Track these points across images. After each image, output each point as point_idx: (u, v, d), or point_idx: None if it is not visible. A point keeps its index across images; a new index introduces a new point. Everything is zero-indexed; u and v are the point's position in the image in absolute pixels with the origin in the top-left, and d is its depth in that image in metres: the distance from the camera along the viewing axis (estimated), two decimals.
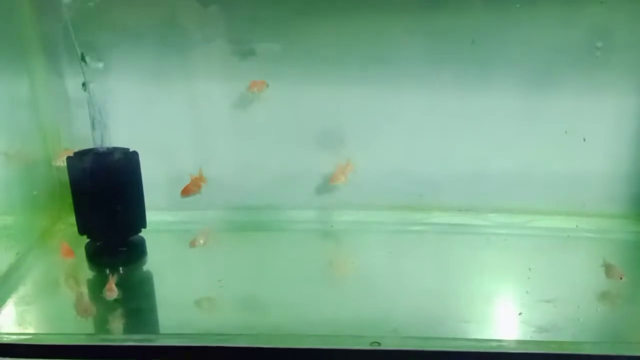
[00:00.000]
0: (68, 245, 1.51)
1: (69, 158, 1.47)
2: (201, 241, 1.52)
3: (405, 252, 1.61)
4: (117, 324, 1.32)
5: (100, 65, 1.56)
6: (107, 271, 1.42)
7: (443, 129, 1.68)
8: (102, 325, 1.33)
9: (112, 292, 1.33)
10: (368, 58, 1.62)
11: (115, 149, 1.51)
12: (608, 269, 1.40)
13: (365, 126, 1.69)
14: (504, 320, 1.33)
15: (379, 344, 1.15)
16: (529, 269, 1.46)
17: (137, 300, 1.42)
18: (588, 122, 1.63)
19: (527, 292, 1.39)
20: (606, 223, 1.67)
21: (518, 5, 1.54)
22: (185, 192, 1.56)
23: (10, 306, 1.37)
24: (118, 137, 1.57)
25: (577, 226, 1.63)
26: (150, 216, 1.57)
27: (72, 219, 1.53)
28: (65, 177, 1.50)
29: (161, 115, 1.68)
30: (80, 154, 1.49)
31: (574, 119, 1.63)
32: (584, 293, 1.40)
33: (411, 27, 1.58)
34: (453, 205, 1.74)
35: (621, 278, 1.38)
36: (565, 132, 1.62)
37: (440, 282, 1.45)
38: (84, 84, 1.51)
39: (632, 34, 1.56)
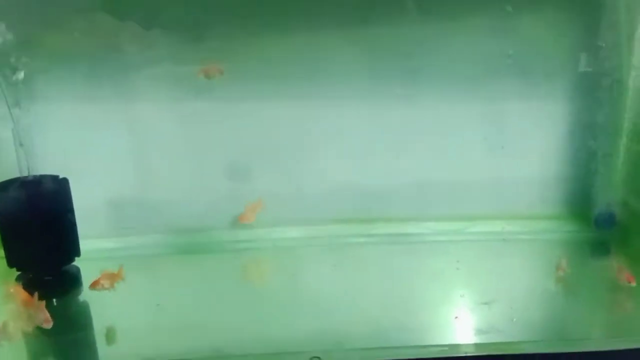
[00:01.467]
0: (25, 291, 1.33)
1: None
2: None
3: (349, 264, 1.61)
4: (53, 359, 1.26)
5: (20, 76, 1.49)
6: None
7: (384, 142, 1.71)
8: None
9: (48, 322, 1.26)
10: (307, 74, 1.64)
11: (43, 177, 1.46)
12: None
13: (308, 141, 1.70)
14: (446, 325, 1.34)
15: (320, 359, 1.14)
16: (457, 269, 1.51)
17: (74, 332, 1.36)
18: (519, 127, 1.69)
19: (461, 295, 1.41)
20: (541, 224, 1.72)
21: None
22: (93, 285, 1.40)
23: None
24: (51, 164, 1.52)
25: (503, 229, 1.68)
26: (87, 244, 1.53)
27: (1, 251, 1.46)
28: None
29: (96, 139, 1.65)
30: (5, 184, 1.43)
31: (505, 125, 1.69)
32: (519, 294, 1.42)
33: (347, 42, 1.61)
34: (396, 215, 1.75)
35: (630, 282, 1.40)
36: (485, 139, 1.68)
37: (384, 292, 1.45)
38: None
39: (551, 42, 1.63)
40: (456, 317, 1.32)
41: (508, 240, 1.67)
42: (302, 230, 1.73)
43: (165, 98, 1.64)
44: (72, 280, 1.49)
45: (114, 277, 1.41)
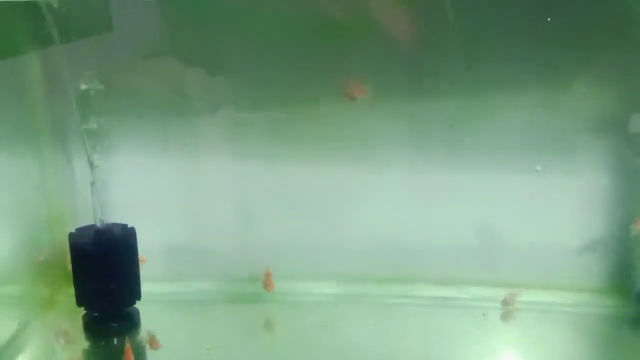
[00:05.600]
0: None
1: (71, 234, 1.58)
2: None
3: (388, 324, 1.67)
4: None
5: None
6: None
7: (424, 205, 1.78)
8: None
9: None
10: (352, 140, 1.75)
11: (113, 225, 1.61)
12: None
13: (350, 201, 1.80)
14: None
15: None
16: (492, 337, 1.56)
17: None
18: (559, 198, 1.73)
19: None
20: (581, 297, 1.73)
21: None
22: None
23: None
24: (118, 209, 1.67)
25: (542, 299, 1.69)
26: (146, 287, 1.66)
27: (72, 289, 1.61)
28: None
29: (159, 189, 1.80)
30: (82, 230, 1.60)
31: (546, 192, 1.73)
32: None
33: (393, 116, 1.72)
34: (436, 278, 1.81)
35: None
36: (525, 207, 1.74)
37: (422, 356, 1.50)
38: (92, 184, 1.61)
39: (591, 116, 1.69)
40: None
41: (546, 311, 1.69)
42: (340, 286, 1.81)
43: (223, 153, 1.79)
44: (132, 322, 1.63)
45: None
